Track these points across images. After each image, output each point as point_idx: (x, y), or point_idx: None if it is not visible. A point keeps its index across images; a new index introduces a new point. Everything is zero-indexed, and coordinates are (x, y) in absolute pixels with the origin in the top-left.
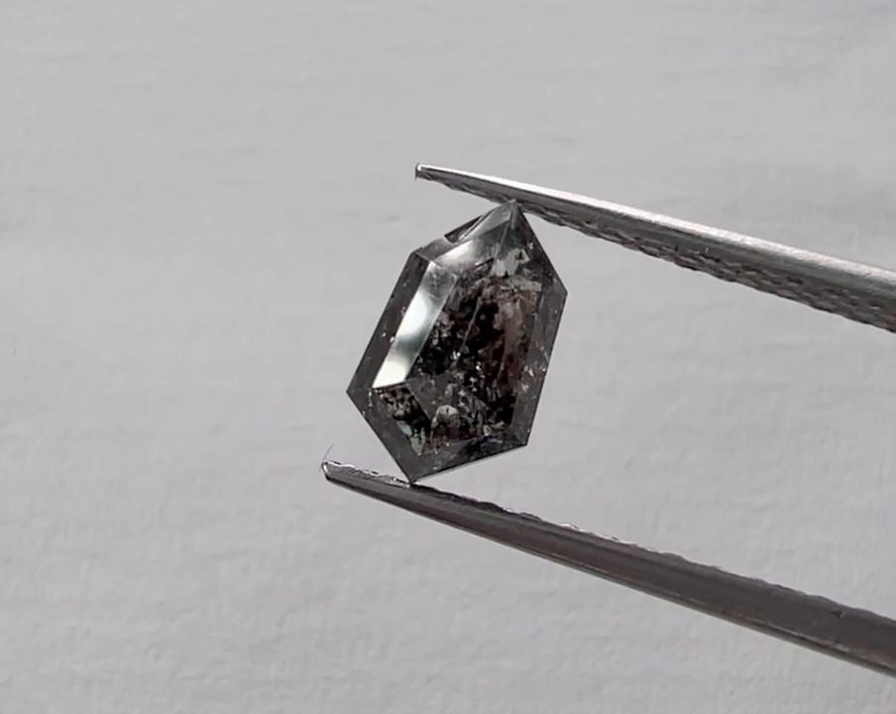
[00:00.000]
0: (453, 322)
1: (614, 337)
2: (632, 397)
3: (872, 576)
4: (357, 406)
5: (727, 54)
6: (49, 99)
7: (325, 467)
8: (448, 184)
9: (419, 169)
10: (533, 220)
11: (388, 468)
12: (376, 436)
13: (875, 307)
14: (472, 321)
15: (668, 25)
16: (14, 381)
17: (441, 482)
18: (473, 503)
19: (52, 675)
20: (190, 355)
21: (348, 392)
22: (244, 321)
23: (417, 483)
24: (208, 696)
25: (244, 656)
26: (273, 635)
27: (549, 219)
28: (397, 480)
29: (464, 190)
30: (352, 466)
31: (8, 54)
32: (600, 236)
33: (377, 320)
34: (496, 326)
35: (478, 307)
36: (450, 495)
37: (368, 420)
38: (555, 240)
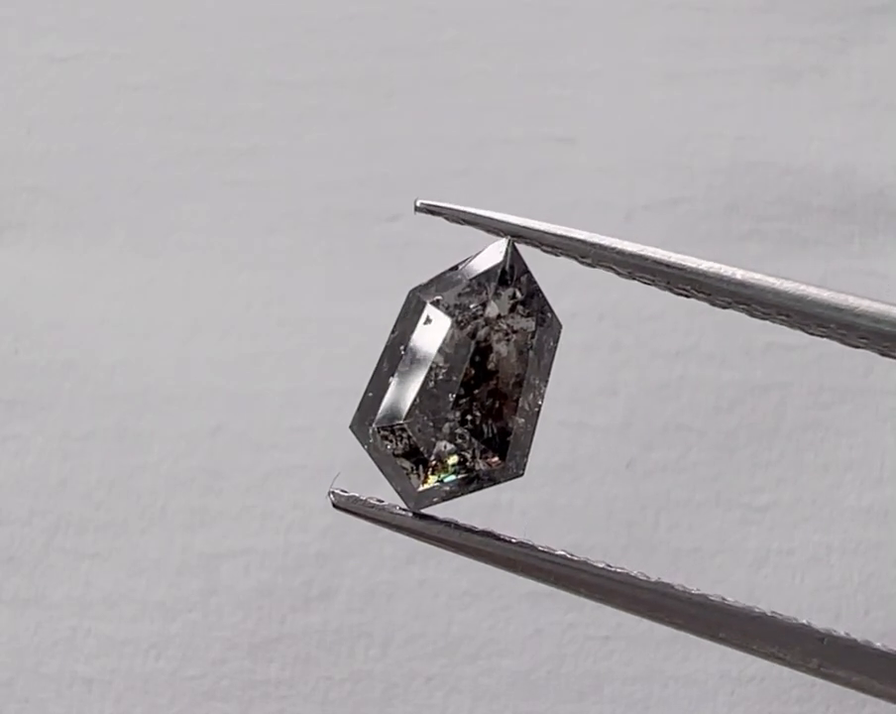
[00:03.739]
0: (449, 364)
1: (614, 337)
2: (633, 396)
3: (872, 576)
4: (359, 440)
5: (727, 54)
6: (49, 99)
7: (331, 495)
8: (446, 219)
9: (418, 204)
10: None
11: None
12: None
13: (864, 339)
14: (466, 364)
15: (668, 25)
16: (15, 381)
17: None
18: (472, 531)
19: (52, 675)
20: (190, 355)
21: (350, 427)
22: (244, 321)
23: (420, 511)
24: (209, 696)
25: (245, 656)
26: (273, 634)
27: (545, 252)
28: (401, 508)
29: (461, 224)
30: (357, 495)
31: (8, 54)
32: (595, 268)
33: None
34: (490, 366)
35: (472, 350)
36: (451, 523)
37: (370, 454)
38: None
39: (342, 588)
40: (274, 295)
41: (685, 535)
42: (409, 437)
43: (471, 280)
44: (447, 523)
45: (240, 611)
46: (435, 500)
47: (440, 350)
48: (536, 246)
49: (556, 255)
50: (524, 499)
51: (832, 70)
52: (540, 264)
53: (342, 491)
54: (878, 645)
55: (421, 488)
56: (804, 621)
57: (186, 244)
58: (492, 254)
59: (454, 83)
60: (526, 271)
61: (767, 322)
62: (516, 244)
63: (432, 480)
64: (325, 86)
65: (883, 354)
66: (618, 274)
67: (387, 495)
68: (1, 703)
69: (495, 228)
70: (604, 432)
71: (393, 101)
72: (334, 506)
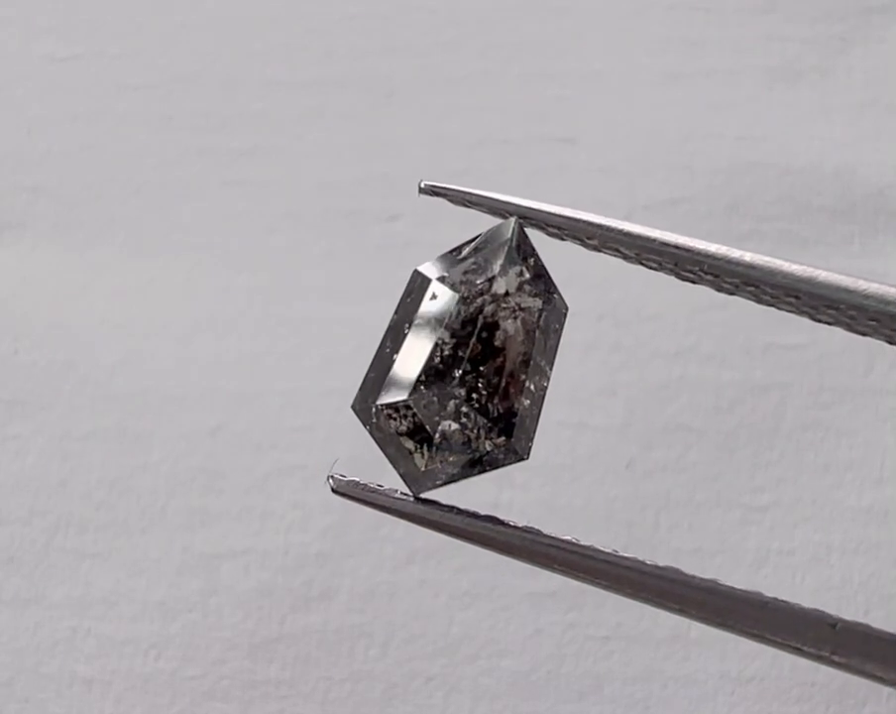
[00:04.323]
0: (455, 340)
1: (614, 337)
2: (632, 397)
3: (872, 576)
4: (361, 421)
5: (727, 54)
6: (49, 99)
7: (331, 480)
8: (451, 200)
9: (423, 185)
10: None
11: (390, 470)
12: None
13: (873, 322)
14: (473, 339)
15: (668, 25)
16: (15, 381)
17: (444, 491)
18: (475, 516)
19: (52, 675)
20: (190, 355)
21: (353, 407)
22: (244, 321)
23: (421, 496)
24: (209, 696)
25: (245, 656)
26: (273, 634)
27: (550, 235)
28: (402, 493)
29: (466, 207)
30: (357, 479)
31: (8, 54)
32: (601, 251)
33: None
34: (497, 343)
35: (479, 325)
36: (453, 508)
37: (372, 435)
38: (556, 240)
39: (342, 588)
40: (274, 295)
41: (685, 535)
42: (414, 415)
43: (477, 257)
44: (449, 507)
45: (240, 611)
46: (438, 483)
47: (446, 326)
48: (542, 228)
49: (562, 238)
50: (524, 499)
51: (832, 70)
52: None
53: (341, 476)
54: (892, 631)
55: (425, 468)
56: (815, 607)
57: (186, 244)
58: (499, 232)
59: (454, 83)
60: (534, 252)
61: (767, 322)
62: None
63: (437, 459)
64: (325, 86)
65: (890, 341)
66: (625, 257)
67: (388, 485)
68: (1, 703)
69: (500, 209)
70: (603, 432)
71: (394, 101)
72: (333, 491)
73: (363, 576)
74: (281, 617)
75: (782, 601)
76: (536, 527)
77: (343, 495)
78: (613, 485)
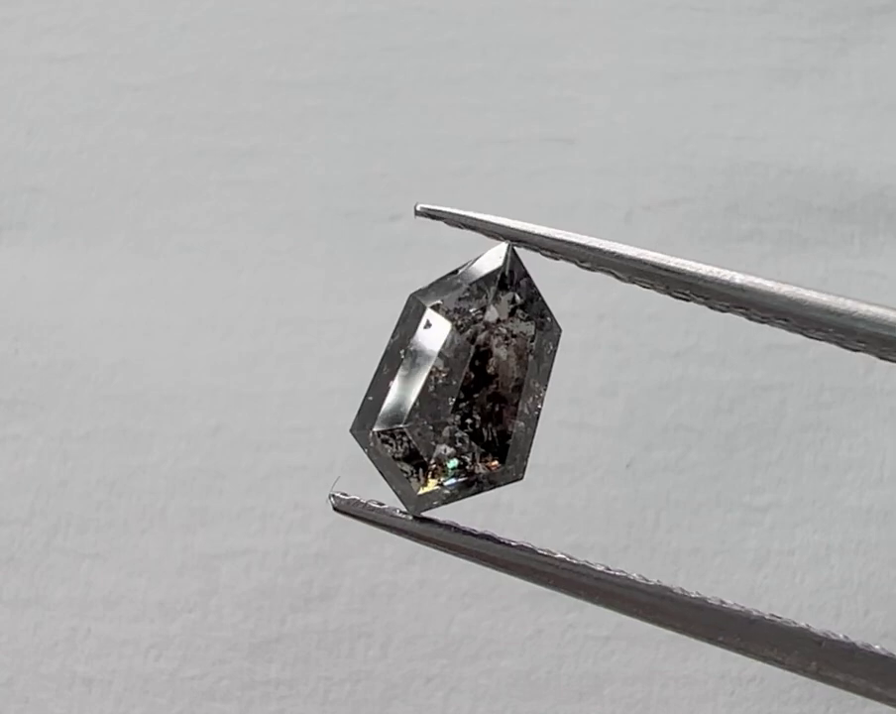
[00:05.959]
0: (448, 368)
1: (614, 337)
2: (633, 397)
3: (872, 576)
4: (359, 444)
5: (727, 54)
6: (49, 99)
7: (332, 499)
8: (446, 223)
9: (418, 208)
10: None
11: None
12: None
13: (862, 344)
14: (466, 368)
15: (668, 25)
16: (15, 381)
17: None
18: (473, 534)
19: (52, 675)
20: (190, 355)
21: (351, 431)
22: (244, 321)
23: (420, 514)
24: (209, 696)
25: (244, 656)
26: (273, 635)
27: (545, 256)
28: (401, 512)
29: (461, 228)
30: (358, 498)
31: (9, 54)
32: (595, 271)
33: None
34: (490, 371)
35: (472, 354)
36: (451, 526)
37: (370, 458)
38: None
39: (342, 588)
40: (274, 295)
41: (685, 536)
42: (409, 441)
43: (471, 284)
44: (447, 526)
45: (240, 611)
46: (435, 503)
47: (440, 354)
48: (535, 250)
49: (556, 259)
50: (524, 499)
51: (832, 70)
52: (540, 264)
53: (342, 494)
54: (877, 647)
55: (421, 491)
56: (802, 624)
57: (186, 244)
58: (491, 258)
59: (454, 83)
60: (526, 275)
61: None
62: (516, 248)
63: (432, 483)
64: (325, 86)
65: (881, 357)
66: (618, 278)
67: (387, 495)
68: (1, 703)
69: (494, 232)
70: (604, 433)
71: (394, 101)
72: (335, 509)
73: (363, 576)
74: (281, 617)
75: (769, 617)
76: (535, 532)
77: (344, 513)
78: (613, 485)
